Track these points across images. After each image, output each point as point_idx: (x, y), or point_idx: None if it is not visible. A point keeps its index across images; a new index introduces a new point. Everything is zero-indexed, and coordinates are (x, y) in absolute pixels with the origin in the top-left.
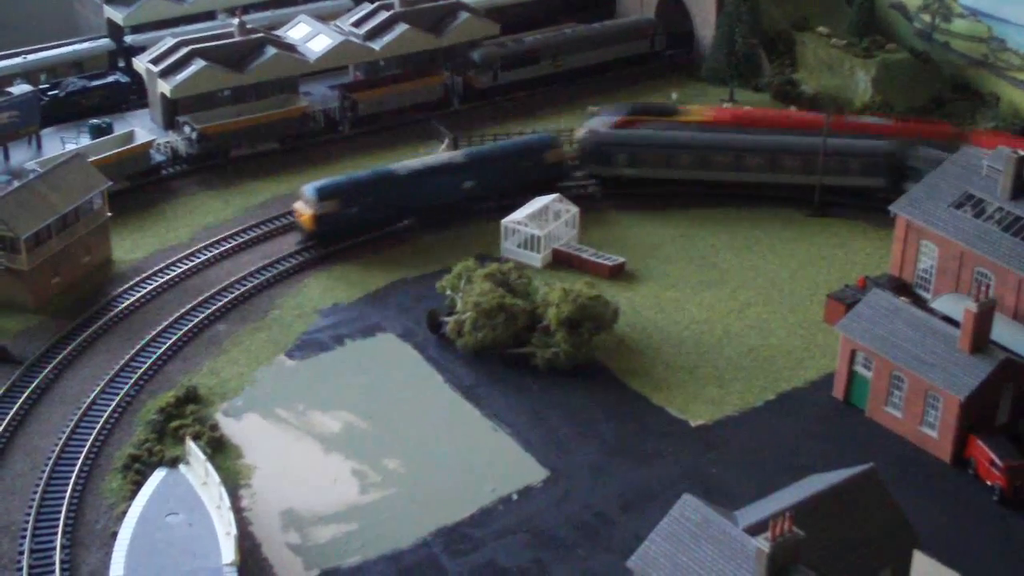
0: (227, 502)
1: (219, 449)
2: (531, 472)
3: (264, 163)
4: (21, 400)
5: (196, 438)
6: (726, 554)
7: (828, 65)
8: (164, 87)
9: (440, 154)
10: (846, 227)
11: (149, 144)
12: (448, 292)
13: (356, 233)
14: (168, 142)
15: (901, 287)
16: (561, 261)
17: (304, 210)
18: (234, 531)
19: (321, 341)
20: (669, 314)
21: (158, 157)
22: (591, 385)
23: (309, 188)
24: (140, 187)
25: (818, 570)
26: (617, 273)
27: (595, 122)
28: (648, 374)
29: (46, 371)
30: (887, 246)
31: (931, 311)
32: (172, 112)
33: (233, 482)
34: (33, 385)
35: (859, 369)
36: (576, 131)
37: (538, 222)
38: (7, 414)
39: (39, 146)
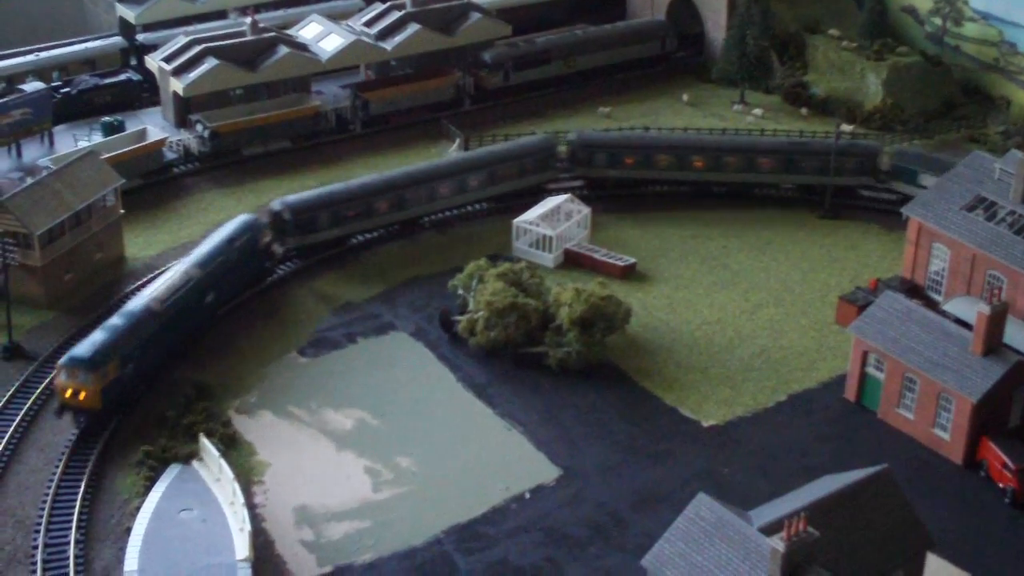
0: (241, 498)
1: (232, 446)
2: (544, 471)
3: (276, 162)
4: (34, 396)
5: (209, 435)
6: (741, 554)
7: (839, 68)
8: (176, 85)
9: (171, 274)
10: (858, 229)
11: (162, 142)
12: (460, 291)
13: (140, 390)
14: (180, 140)
15: (913, 289)
16: (573, 261)
17: (73, 386)
18: (248, 527)
19: (333, 339)
20: (681, 314)
21: (170, 155)
22: (603, 385)
23: (71, 359)
24: (152, 185)
25: (832, 570)
26: (629, 273)
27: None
28: (660, 374)
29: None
30: (899, 248)
31: (943, 314)
32: (184, 110)
33: (246, 479)
34: (46, 381)
35: (871, 371)
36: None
37: (550, 222)
38: (21, 409)
39: (51, 143)
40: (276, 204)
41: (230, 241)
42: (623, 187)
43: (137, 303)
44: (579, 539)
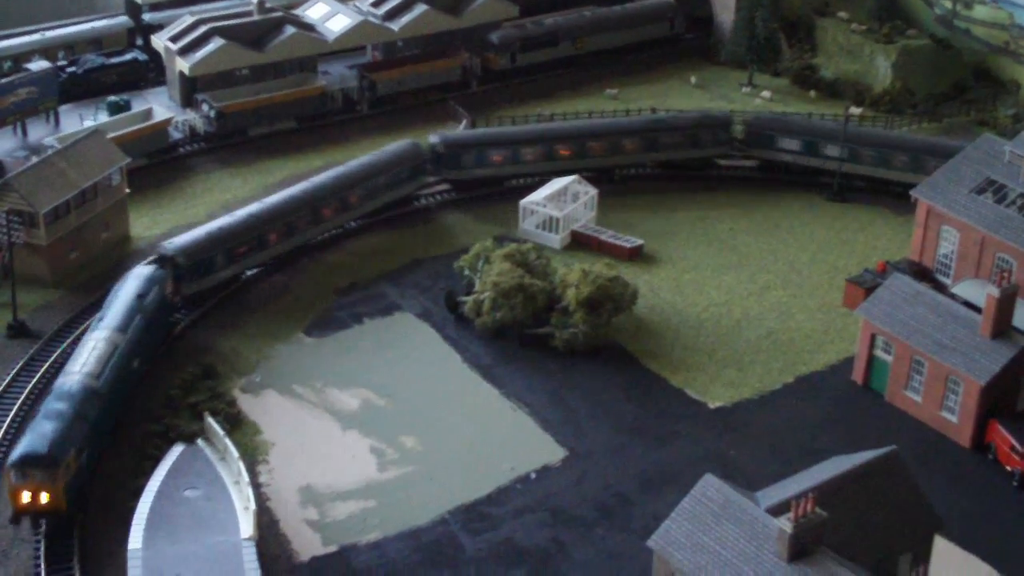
0: (246, 477)
1: (237, 425)
2: (549, 451)
3: (282, 142)
4: (39, 374)
5: (214, 414)
6: (748, 534)
7: (848, 50)
8: (183, 65)
9: (92, 343)
10: (866, 212)
11: (168, 122)
12: (466, 272)
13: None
14: (186, 120)
15: (921, 272)
16: (579, 242)
17: (31, 488)
18: (253, 506)
19: (339, 319)
20: (688, 296)
21: (176, 135)
22: (610, 366)
23: (25, 457)
24: (158, 165)
25: (840, 551)
26: (636, 255)
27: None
28: (667, 356)
29: (64, 345)
30: (907, 231)
31: (952, 296)
32: (190, 90)
33: (251, 458)
34: (51, 359)
35: (879, 353)
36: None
37: (557, 203)
38: (25, 387)
39: (57, 122)
40: (168, 249)
41: (139, 298)
42: (490, 185)
43: (69, 382)
44: (585, 520)
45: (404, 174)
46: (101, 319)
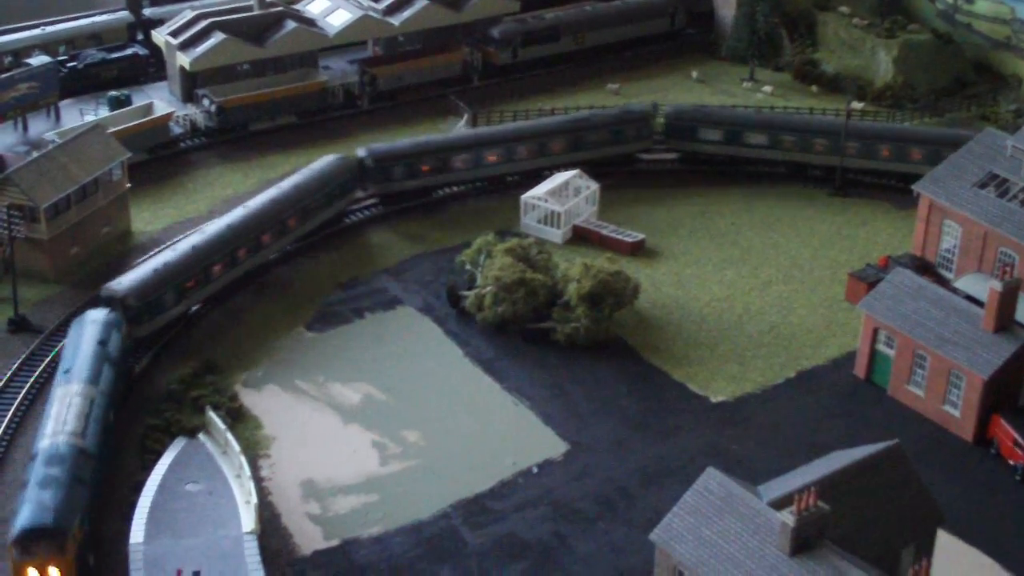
0: (247, 471)
1: (238, 419)
2: (551, 446)
3: (283, 137)
4: (40, 369)
5: (215, 408)
6: (750, 528)
7: (849, 45)
8: (183, 60)
9: (67, 400)
10: (868, 206)
11: (168, 116)
12: (468, 266)
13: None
14: (187, 115)
15: (923, 267)
16: (581, 237)
17: (37, 563)
18: (255, 500)
19: (340, 313)
20: (690, 291)
21: (177, 130)
22: (611, 360)
23: (28, 531)
24: (159, 159)
25: (842, 545)
26: (637, 250)
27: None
28: (669, 350)
29: (65, 339)
30: (909, 226)
31: (954, 291)
32: (191, 85)
33: (252, 452)
34: (52, 354)
35: (881, 348)
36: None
37: (558, 198)
38: (27, 382)
39: (57, 117)
40: (116, 290)
41: (101, 345)
42: (419, 195)
43: (56, 444)
44: (587, 514)
45: (335, 191)
46: (67, 371)
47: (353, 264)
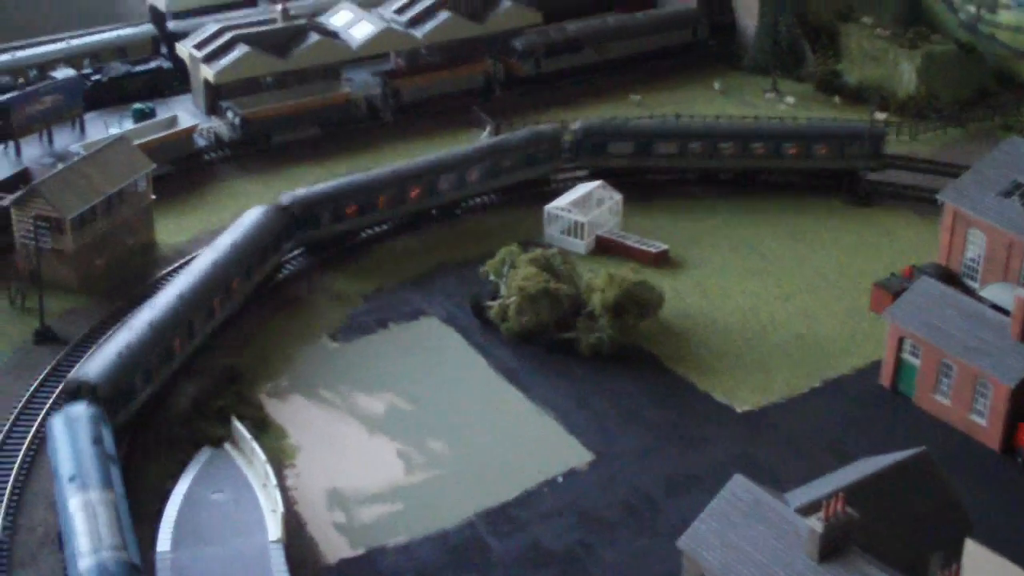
0: (273, 480)
1: (263, 429)
2: (576, 455)
3: (306, 149)
4: (66, 380)
5: (240, 418)
6: (778, 534)
7: (872, 56)
8: (207, 72)
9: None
10: (891, 216)
11: (192, 129)
12: (492, 277)
13: None
14: (211, 127)
15: (948, 276)
16: (604, 248)
17: None
18: (281, 508)
19: (364, 324)
20: (714, 301)
21: (201, 142)
22: (636, 370)
23: None
24: (183, 172)
25: (869, 552)
26: (661, 260)
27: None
28: (693, 360)
29: (90, 351)
30: (933, 235)
31: (980, 299)
32: (215, 98)
33: (277, 462)
34: (78, 365)
35: (907, 357)
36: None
37: (582, 208)
38: (52, 393)
39: (82, 130)
40: (86, 376)
41: (97, 443)
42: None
43: (103, 561)
44: (612, 522)
45: (269, 244)
46: (73, 479)
47: (376, 275)
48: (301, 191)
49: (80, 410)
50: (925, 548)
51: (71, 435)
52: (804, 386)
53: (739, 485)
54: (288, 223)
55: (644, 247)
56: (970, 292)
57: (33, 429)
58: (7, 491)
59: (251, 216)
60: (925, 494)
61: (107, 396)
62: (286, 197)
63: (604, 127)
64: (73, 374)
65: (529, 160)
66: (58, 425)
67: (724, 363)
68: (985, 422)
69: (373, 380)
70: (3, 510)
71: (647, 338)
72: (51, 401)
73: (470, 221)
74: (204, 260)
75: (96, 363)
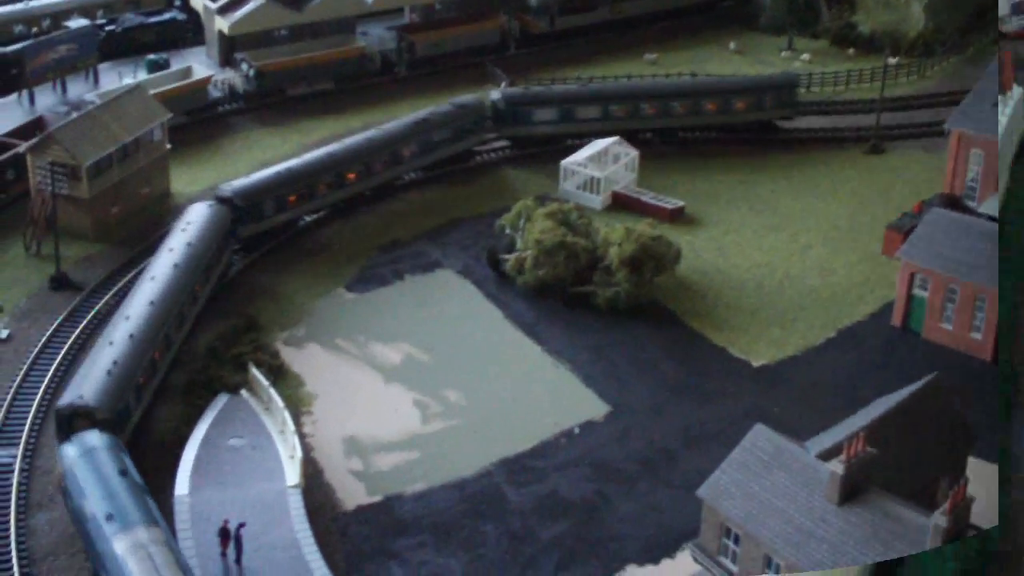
0: (291, 426)
1: (280, 377)
2: (593, 407)
3: (320, 102)
4: (81, 325)
5: (257, 365)
6: (799, 480)
7: (885, 3)
8: (222, 24)
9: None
10: (900, 158)
11: (207, 80)
12: (508, 230)
13: None
14: (225, 79)
15: (952, 202)
16: (620, 204)
17: None
18: (299, 454)
19: (381, 275)
20: (730, 257)
21: (215, 93)
22: (652, 325)
23: None
24: (197, 123)
25: (886, 487)
26: (677, 216)
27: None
28: (709, 315)
29: (106, 297)
30: (941, 166)
31: (979, 216)
32: (229, 50)
33: (294, 409)
34: (94, 310)
35: (917, 292)
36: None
37: (598, 164)
38: (68, 338)
39: (96, 80)
40: (82, 401)
41: (124, 475)
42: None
43: None
44: (629, 474)
45: (220, 242)
46: (111, 518)
47: (392, 228)
48: (241, 181)
49: (94, 439)
50: (936, 472)
51: (93, 469)
52: (820, 338)
53: (760, 434)
54: (234, 217)
55: (660, 203)
56: (972, 212)
57: (50, 372)
58: (23, 435)
59: (197, 212)
60: (937, 421)
61: (106, 419)
62: (226, 188)
63: (525, 95)
64: (65, 399)
65: (456, 134)
66: (74, 458)
67: (740, 318)
68: (980, 336)
69: (389, 330)
70: (21, 453)
71: (664, 293)
72: (65, 348)
73: (486, 176)
74: (164, 264)
75: (89, 384)
